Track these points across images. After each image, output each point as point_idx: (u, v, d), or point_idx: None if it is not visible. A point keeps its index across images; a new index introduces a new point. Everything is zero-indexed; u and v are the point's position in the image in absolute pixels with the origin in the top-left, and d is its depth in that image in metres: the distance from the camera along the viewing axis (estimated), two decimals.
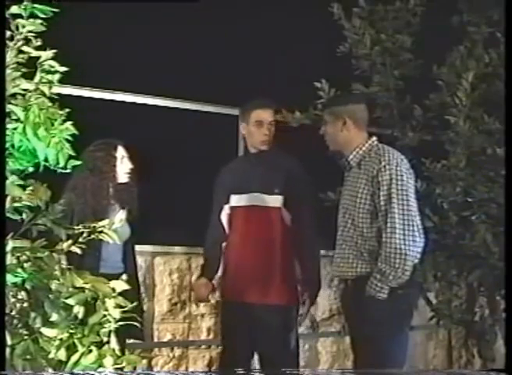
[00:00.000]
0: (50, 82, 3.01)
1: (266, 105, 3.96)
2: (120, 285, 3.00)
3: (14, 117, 2.90)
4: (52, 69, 3.01)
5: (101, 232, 3.14)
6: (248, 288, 3.85)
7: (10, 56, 2.93)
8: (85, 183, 3.75)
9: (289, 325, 3.90)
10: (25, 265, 2.85)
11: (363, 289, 3.36)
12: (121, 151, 3.84)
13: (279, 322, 3.85)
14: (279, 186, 3.90)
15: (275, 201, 3.90)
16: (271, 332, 3.84)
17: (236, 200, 3.97)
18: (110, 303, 2.87)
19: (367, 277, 3.37)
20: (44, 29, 3.00)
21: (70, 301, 2.83)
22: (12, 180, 2.89)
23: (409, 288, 3.41)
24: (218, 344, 4.65)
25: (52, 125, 2.94)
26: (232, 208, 3.99)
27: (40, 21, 3.00)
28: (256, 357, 4.03)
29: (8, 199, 2.88)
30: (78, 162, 3.02)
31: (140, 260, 4.33)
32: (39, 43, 3.01)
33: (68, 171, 2.99)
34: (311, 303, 3.92)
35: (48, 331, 2.77)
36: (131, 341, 3.94)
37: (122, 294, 2.85)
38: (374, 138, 3.56)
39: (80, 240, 3.06)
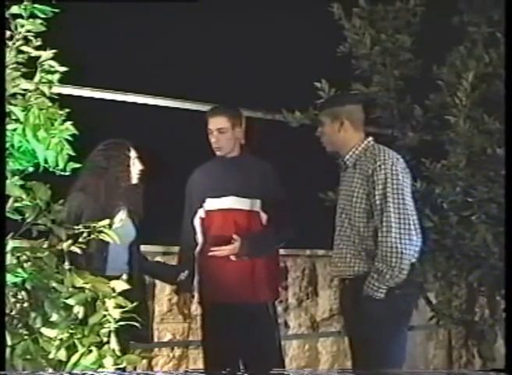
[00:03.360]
0: (50, 82, 3.02)
1: (216, 112, 4.01)
2: (120, 285, 3.00)
3: (14, 117, 2.90)
4: (52, 69, 3.01)
5: (100, 232, 3.14)
6: (228, 289, 3.87)
7: (10, 56, 2.93)
8: (98, 182, 3.69)
9: (271, 322, 3.97)
10: (25, 265, 2.85)
11: (361, 289, 3.36)
12: (133, 152, 3.81)
13: (261, 320, 3.91)
14: (256, 189, 3.95)
15: (253, 204, 3.94)
16: (255, 331, 3.88)
17: (211, 203, 3.98)
18: (110, 303, 2.87)
19: (364, 277, 3.37)
20: (44, 29, 3.01)
21: (70, 301, 2.83)
22: (12, 180, 2.89)
23: (407, 288, 3.41)
24: None
25: (52, 125, 2.94)
26: (207, 212, 4.00)
27: (40, 21, 3.00)
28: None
29: (10, 200, 2.88)
30: (77, 165, 3.02)
31: None
32: (39, 43, 3.01)
33: (67, 173, 3.00)
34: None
35: (48, 331, 2.77)
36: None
37: (127, 295, 2.84)
38: (370, 138, 3.56)
39: (80, 240, 3.07)
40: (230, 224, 3.91)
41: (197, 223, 4.03)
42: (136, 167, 3.79)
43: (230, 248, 3.85)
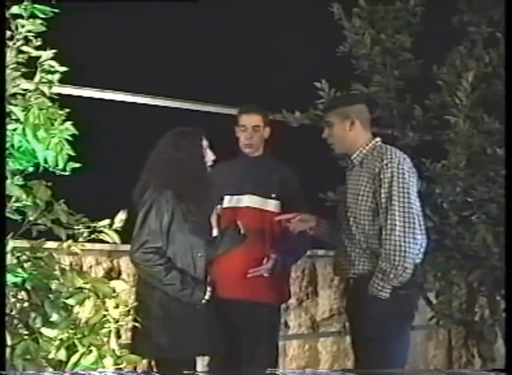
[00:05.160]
0: (50, 82, 3.02)
1: (251, 110, 4.03)
2: (120, 285, 3.00)
3: (14, 117, 2.90)
4: (52, 69, 3.02)
5: (100, 232, 3.15)
6: (240, 286, 3.86)
7: (10, 56, 2.93)
8: (176, 174, 3.45)
9: (277, 323, 4.04)
10: (25, 265, 2.85)
11: (365, 288, 3.36)
12: (205, 141, 3.59)
13: (269, 319, 3.93)
14: (276, 191, 3.97)
15: (273, 205, 3.97)
16: (260, 329, 3.89)
17: (230, 201, 3.98)
18: (110, 303, 2.87)
19: (369, 276, 3.37)
20: (44, 29, 3.01)
21: (70, 301, 2.83)
22: (12, 180, 2.89)
23: (411, 288, 3.41)
24: None
25: (52, 125, 2.94)
26: (225, 209, 3.99)
27: (40, 21, 3.00)
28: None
29: (13, 199, 2.88)
30: (77, 165, 3.02)
31: None
32: (39, 43, 3.01)
33: (67, 173, 3.00)
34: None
35: (47, 331, 2.78)
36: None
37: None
38: (378, 139, 3.58)
39: (81, 239, 3.07)
40: (249, 223, 3.90)
41: (213, 219, 4.02)
42: (208, 157, 3.59)
43: (266, 267, 3.86)
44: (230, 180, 3.98)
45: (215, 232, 3.82)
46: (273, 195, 3.97)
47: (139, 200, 3.44)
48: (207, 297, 3.44)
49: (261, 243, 3.91)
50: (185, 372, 3.18)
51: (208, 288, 3.47)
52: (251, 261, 3.87)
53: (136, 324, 2.98)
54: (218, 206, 3.98)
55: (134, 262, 3.40)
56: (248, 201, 3.96)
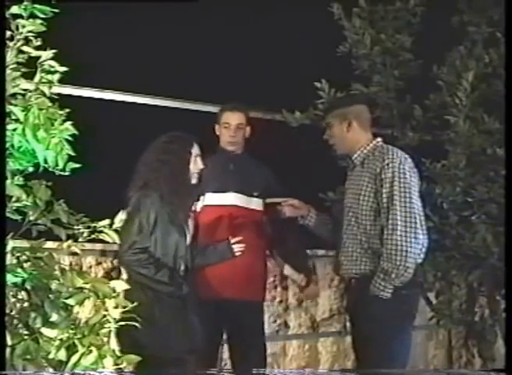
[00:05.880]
0: (50, 82, 3.02)
1: (235, 108, 4.06)
2: (120, 285, 3.00)
3: (14, 117, 2.90)
4: (52, 69, 3.02)
5: (101, 232, 3.15)
6: (226, 285, 3.87)
7: (10, 56, 2.93)
8: (157, 176, 3.46)
9: (262, 321, 4.09)
10: (25, 265, 2.85)
11: (367, 288, 3.36)
12: (196, 149, 3.57)
13: (255, 318, 3.99)
14: (258, 189, 3.99)
15: (256, 203, 3.98)
16: (246, 327, 3.93)
17: (212, 199, 3.98)
18: (110, 303, 2.87)
19: (371, 276, 3.37)
20: (44, 29, 3.01)
21: (70, 301, 2.83)
22: (12, 180, 2.89)
23: (412, 288, 3.42)
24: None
25: (52, 125, 2.94)
26: (207, 206, 3.98)
27: (40, 21, 3.00)
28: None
29: (13, 199, 2.88)
30: (77, 165, 3.02)
31: None
32: (39, 43, 3.01)
33: (67, 173, 2.99)
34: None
35: (48, 331, 2.78)
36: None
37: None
38: (379, 139, 3.59)
39: (81, 239, 3.07)
40: (229, 220, 3.91)
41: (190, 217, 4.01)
42: (196, 165, 3.56)
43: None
44: (212, 177, 3.90)
45: (191, 229, 3.76)
46: (255, 193, 3.99)
47: (128, 200, 3.45)
48: (195, 292, 3.47)
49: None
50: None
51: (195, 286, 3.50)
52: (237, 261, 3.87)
53: (136, 324, 2.97)
54: (198, 203, 3.95)
55: (124, 263, 3.42)
56: (233, 199, 3.96)
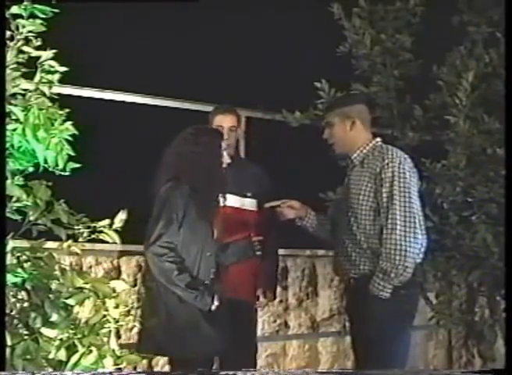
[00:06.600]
0: (50, 82, 3.02)
1: (227, 110, 4.03)
2: (120, 285, 3.00)
3: (14, 117, 2.90)
4: (52, 69, 3.02)
5: (101, 232, 3.14)
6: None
7: (10, 56, 2.93)
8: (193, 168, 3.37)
9: (255, 320, 4.11)
10: (25, 265, 2.85)
11: (366, 288, 3.36)
12: (225, 142, 3.54)
13: (247, 317, 3.98)
14: (251, 189, 3.97)
15: (249, 204, 3.97)
16: (242, 326, 3.90)
17: None
18: (110, 303, 2.87)
19: (370, 276, 3.37)
20: (44, 29, 3.01)
21: (70, 301, 2.83)
22: (12, 180, 2.89)
23: (412, 288, 3.41)
24: None
25: (52, 125, 2.94)
26: None
27: (40, 21, 3.00)
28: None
29: (13, 199, 2.88)
30: (77, 165, 3.02)
31: (140, 260, 4.32)
32: (39, 43, 3.01)
33: (67, 173, 3.00)
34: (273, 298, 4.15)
35: (47, 331, 2.78)
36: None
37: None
38: (378, 139, 3.58)
39: (81, 239, 3.07)
40: (227, 222, 3.91)
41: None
42: (225, 159, 3.52)
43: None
44: None
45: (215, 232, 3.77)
46: (249, 194, 3.98)
47: (156, 193, 3.36)
48: (214, 305, 3.35)
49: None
50: (201, 369, 3.17)
51: (216, 296, 3.36)
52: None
53: (136, 324, 2.98)
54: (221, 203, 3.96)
55: (148, 255, 3.27)
56: (228, 200, 3.96)
